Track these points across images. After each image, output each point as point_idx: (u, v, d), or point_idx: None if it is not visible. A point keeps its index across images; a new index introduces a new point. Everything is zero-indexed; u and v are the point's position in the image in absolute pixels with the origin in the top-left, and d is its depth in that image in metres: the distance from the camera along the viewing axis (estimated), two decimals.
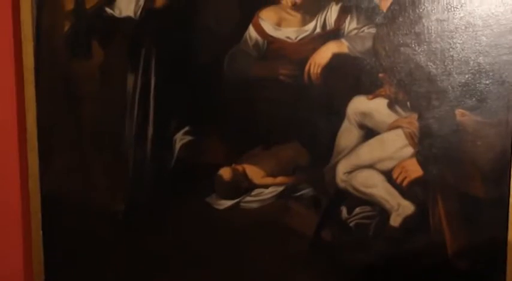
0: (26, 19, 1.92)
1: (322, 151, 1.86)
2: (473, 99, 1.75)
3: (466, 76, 1.75)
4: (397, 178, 1.82)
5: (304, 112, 1.85)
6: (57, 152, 1.97)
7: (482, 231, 1.78)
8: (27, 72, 1.94)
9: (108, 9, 1.91)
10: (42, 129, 1.96)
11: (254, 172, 1.91)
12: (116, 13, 1.91)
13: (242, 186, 1.91)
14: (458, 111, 1.77)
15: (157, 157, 1.94)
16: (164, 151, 1.93)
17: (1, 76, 1.96)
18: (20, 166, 2.00)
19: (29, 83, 1.94)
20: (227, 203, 1.92)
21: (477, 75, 1.74)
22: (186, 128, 1.92)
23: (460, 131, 1.77)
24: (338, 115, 1.84)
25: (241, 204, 1.92)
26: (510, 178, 1.75)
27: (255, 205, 1.91)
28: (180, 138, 1.92)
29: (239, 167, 1.91)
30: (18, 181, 2.00)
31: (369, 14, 1.79)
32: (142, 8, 1.89)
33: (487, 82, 1.74)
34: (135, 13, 1.90)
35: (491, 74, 1.74)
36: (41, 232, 1.99)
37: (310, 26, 1.83)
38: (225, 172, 1.91)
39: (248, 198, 1.92)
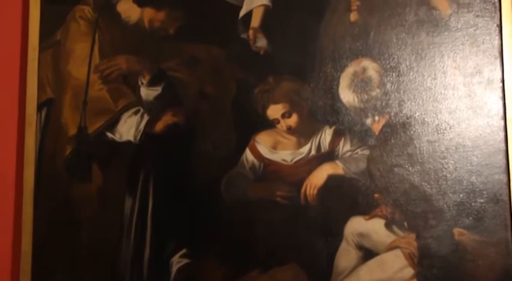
0: (30, 143, 1.98)
1: (321, 273, 1.82)
2: (470, 218, 1.75)
3: (461, 195, 1.76)
4: None
5: (301, 234, 1.84)
6: (51, 275, 1.93)
7: None
8: (27, 195, 1.96)
9: (109, 134, 1.98)
10: (38, 250, 1.94)
11: None
12: (117, 137, 1.98)
13: None
14: (456, 231, 1.75)
15: (153, 280, 1.90)
16: (160, 275, 1.90)
17: (1, 197, 1.98)
18: None
19: (28, 205, 1.96)
20: None
21: (471, 195, 1.76)
22: (183, 251, 1.90)
23: (460, 251, 1.75)
24: (336, 236, 1.82)
25: None
26: None
27: None
28: (177, 262, 1.90)
29: None
30: None
31: (362, 137, 1.84)
32: (142, 133, 1.96)
33: (482, 201, 1.75)
34: (135, 137, 1.96)
35: (485, 193, 1.75)
36: None
37: (305, 149, 1.88)
38: None
39: None
